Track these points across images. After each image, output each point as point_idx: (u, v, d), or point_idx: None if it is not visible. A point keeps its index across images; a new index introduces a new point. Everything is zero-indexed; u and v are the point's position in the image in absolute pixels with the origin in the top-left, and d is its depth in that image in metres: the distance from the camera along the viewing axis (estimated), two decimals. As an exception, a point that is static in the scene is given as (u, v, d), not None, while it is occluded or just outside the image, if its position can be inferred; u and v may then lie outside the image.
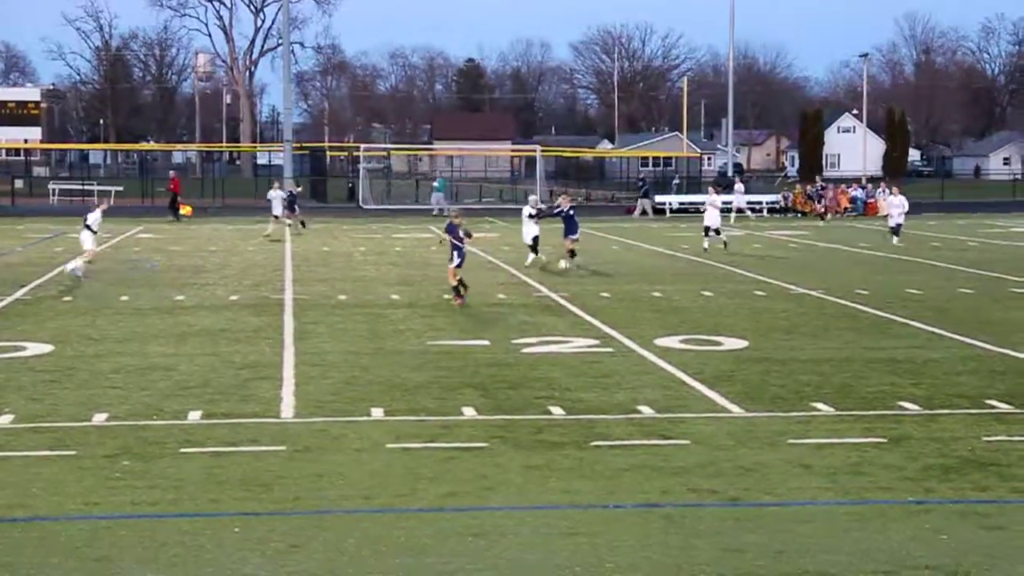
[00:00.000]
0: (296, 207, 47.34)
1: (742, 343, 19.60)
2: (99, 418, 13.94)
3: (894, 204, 43.95)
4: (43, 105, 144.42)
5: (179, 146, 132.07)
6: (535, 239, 32.54)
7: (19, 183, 76.02)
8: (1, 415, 13.97)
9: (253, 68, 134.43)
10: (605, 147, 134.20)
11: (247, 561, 9.18)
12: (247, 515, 10.36)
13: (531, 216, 32.73)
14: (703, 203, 63.36)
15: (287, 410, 14.53)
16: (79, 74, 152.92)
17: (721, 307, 24.31)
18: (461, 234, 24.51)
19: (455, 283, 24.32)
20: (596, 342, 19.71)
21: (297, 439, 13.05)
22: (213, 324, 21.63)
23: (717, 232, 37.79)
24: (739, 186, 63.42)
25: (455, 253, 24.34)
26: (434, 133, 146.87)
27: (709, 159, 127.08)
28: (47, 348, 18.77)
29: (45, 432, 13.23)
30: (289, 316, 22.74)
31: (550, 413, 14.34)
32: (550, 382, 16.24)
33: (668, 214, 56.93)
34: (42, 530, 9.90)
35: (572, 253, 31.67)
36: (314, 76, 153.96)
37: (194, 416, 14.10)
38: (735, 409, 14.64)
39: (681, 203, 63.66)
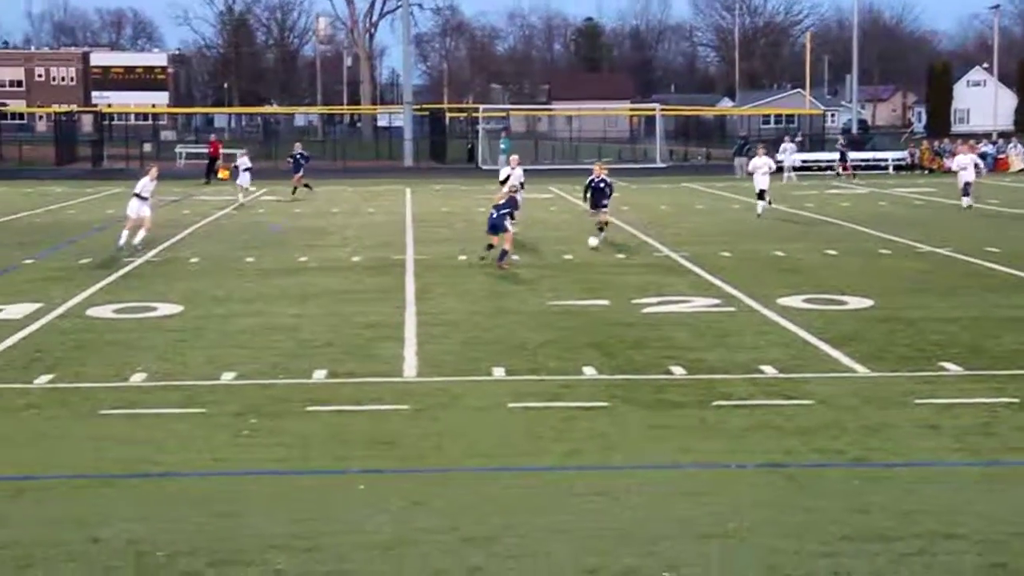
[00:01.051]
0: (302, 169, 45.32)
1: (867, 302, 19.32)
2: (227, 377, 14.20)
3: None
4: (170, 70, 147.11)
5: (301, 109, 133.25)
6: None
7: (147, 147, 77.41)
8: (134, 373, 14.30)
9: (373, 30, 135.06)
10: (726, 105, 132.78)
11: (371, 518, 9.30)
12: (371, 472, 10.50)
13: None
14: (830, 159, 62.09)
15: (409, 369, 14.67)
16: (204, 39, 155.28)
17: (845, 266, 23.98)
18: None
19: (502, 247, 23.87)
20: (718, 301, 19.57)
21: (419, 398, 13.17)
22: (336, 285, 21.88)
23: (761, 196, 35.21)
24: (788, 144, 59.82)
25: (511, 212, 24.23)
26: (552, 93, 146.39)
27: (833, 116, 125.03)
28: (177, 308, 19.15)
29: (176, 390, 13.52)
30: (410, 276, 22.91)
31: (671, 373, 14.29)
32: (671, 341, 16.18)
33: (788, 173, 55.91)
34: (174, 485, 10.13)
35: (600, 227, 27.76)
36: (433, 38, 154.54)
37: (319, 375, 14.30)
38: (860, 369, 14.46)
39: (804, 161, 62.45)
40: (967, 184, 38.16)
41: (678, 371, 14.34)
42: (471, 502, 9.68)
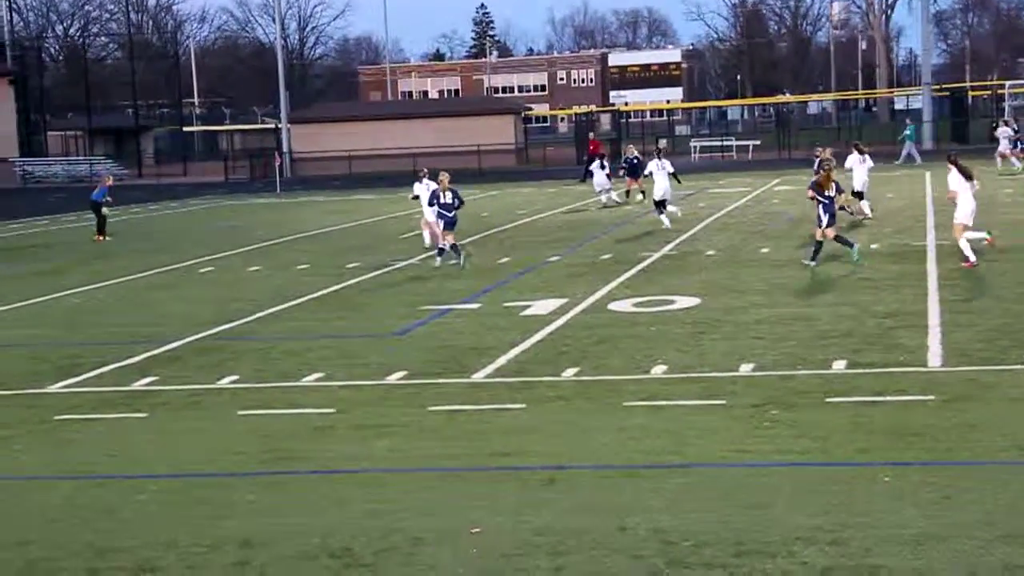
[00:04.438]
0: (637, 173, 40.13)
1: None
2: (745, 368, 14.21)
3: None
4: (683, 65, 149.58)
5: (814, 96, 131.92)
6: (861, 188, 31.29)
7: (662, 142, 79.07)
8: (655, 365, 14.59)
9: (889, 12, 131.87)
10: None
11: (899, 511, 9.02)
12: (897, 464, 10.18)
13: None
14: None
15: (934, 359, 14.14)
16: (716, 32, 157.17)
17: None
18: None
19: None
20: None
21: (946, 388, 12.66)
22: (854, 273, 21.43)
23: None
24: (1004, 130, 50.87)
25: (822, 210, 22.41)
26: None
27: None
28: (694, 301, 19.38)
29: (696, 382, 13.67)
30: (932, 263, 22.11)
31: None
32: None
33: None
34: (698, 475, 10.23)
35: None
36: (954, 14, 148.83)
37: (838, 366, 14.04)
38: None
39: None
40: None
41: None
42: (1007, 498, 9.19)
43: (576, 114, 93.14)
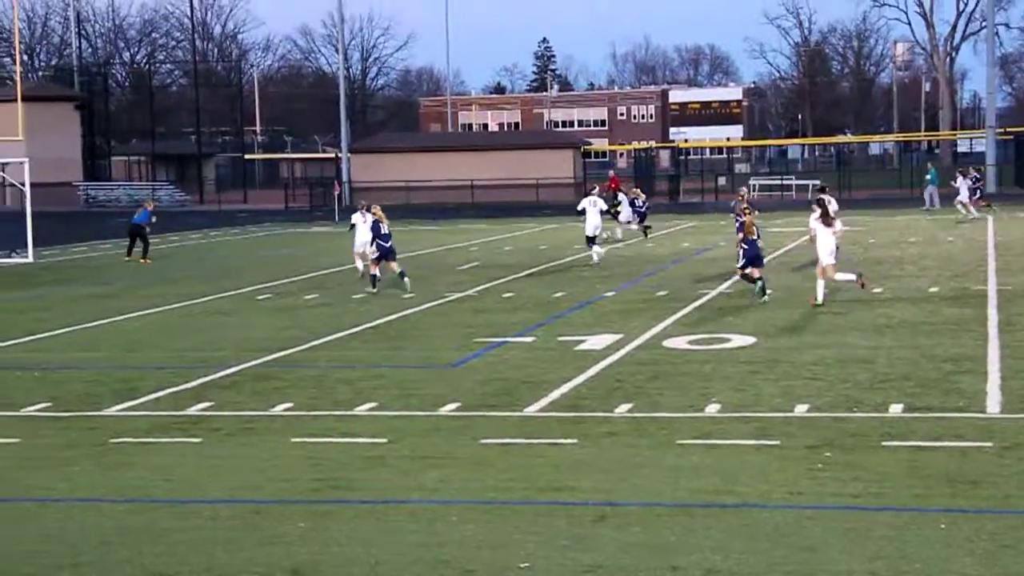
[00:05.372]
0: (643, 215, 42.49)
1: None
2: (800, 409, 14.11)
3: None
4: (744, 103, 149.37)
5: (876, 137, 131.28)
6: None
7: (722, 180, 78.88)
8: (709, 404, 14.51)
9: (954, 54, 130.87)
10: None
11: (954, 559, 8.91)
12: (953, 511, 10.06)
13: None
14: None
15: (993, 405, 13.98)
16: (779, 71, 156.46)
17: None
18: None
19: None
20: None
21: (1005, 435, 12.52)
22: (913, 316, 21.28)
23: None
24: (964, 181, 50.03)
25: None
26: None
27: None
28: (750, 340, 19.28)
29: (750, 421, 13.58)
30: (993, 308, 21.89)
31: None
32: None
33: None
34: (750, 516, 10.15)
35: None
36: (1020, 58, 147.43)
37: (895, 409, 13.91)
38: None
39: None
40: None
41: None
42: (1063, 549, 9.06)
43: (636, 150, 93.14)
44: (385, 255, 27.09)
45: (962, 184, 49.68)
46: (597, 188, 36.72)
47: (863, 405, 14.20)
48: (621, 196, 34.09)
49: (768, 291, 23.75)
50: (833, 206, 32.18)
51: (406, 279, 26.86)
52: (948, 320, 20.73)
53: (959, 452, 11.96)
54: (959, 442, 12.34)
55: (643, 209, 42.84)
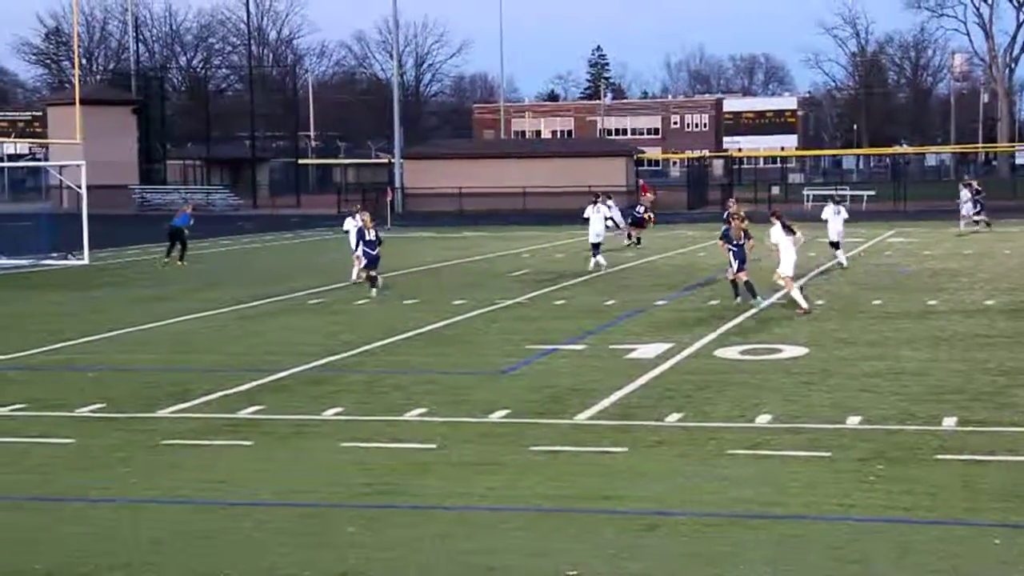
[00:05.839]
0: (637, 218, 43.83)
1: None
2: (852, 421, 14.01)
3: None
4: (799, 113, 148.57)
5: (932, 149, 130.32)
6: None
7: (775, 190, 78.51)
8: (760, 414, 14.44)
9: (1013, 65, 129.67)
10: None
11: (1008, 575, 8.81)
12: (1007, 527, 9.96)
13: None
14: None
15: (1048, 419, 13.83)
16: (834, 81, 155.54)
17: None
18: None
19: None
20: None
21: (1060, 450, 12.37)
22: (967, 329, 21.09)
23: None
24: (965, 192, 50.32)
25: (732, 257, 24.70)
26: None
27: None
28: (802, 351, 19.17)
29: (801, 432, 13.50)
30: (1049, 321, 21.68)
31: None
32: None
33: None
34: (801, 528, 10.08)
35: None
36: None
37: (948, 422, 13.79)
38: None
39: None
40: None
41: None
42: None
43: (689, 158, 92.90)
44: (370, 263, 27.96)
45: (966, 198, 49.78)
46: (601, 197, 37.16)
47: (916, 418, 14.08)
48: (610, 203, 34.91)
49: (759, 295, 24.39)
50: (844, 215, 33.44)
51: (377, 286, 27.68)
52: (1004, 333, 20.53)
53: (1014, 466, 11.84)
54: (1013, 456, 12.21)
55: (640, 215, 43.94)
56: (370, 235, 27.99)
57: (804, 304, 23.52)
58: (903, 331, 21.06)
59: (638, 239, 43.18)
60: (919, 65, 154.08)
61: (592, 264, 33.38)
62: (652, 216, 45.14)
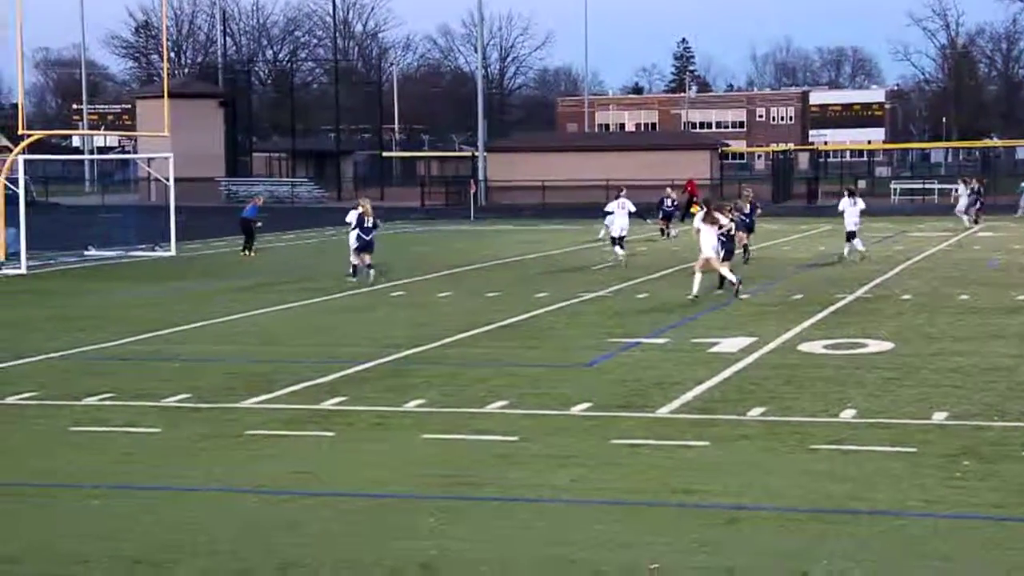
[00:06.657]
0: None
1: None
2: (939, 416, 13.83)
3: None
4: (887, 106, 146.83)
5: (1022, 142, 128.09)
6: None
7: (862, 183, 77.69)
8: (844, 409, 14.30)
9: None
10: None
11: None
12: (1096, 526, 9.78)
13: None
14: None
15: None
16: (923, 73, 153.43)
17: None
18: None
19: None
20: None
21: None
22: (1058, 324, 20.74)
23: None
24: (963, 189, 51.10)
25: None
26: None
27: None
28: (887, 345, 18.96)
29: (886, 428, 13.35)
30: None
31: None
32: None
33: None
34: (882, 524, 9.97)
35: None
36: None
37: (1038, 419, 13.57)
38: None
39: None
40: None
41: None
42: None
43: (774, 152, 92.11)
44: (364, 247, 28.99)
45: (963, 193, 49.65)
46: (624, 191, 37.49)
47: (1005, 414, 13.87)
48: (624, 200, 35.06)
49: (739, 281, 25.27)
50: (861, 206, 33.65)
51: (372, 272, 28.85)
52: (1095, 329, 20.17)
53: (1103, 465, 11.62)
54: (1104, 454, 11.99)
55: (671, 209, 45.74)
56: (368, 222, 28.98)
57: (732, 278, 25.09)
58: (991, 326, 20.75)
59: (667, 231, 44.86)
60: (1011, 57, 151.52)
61: (620, 257, 33.20)
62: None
